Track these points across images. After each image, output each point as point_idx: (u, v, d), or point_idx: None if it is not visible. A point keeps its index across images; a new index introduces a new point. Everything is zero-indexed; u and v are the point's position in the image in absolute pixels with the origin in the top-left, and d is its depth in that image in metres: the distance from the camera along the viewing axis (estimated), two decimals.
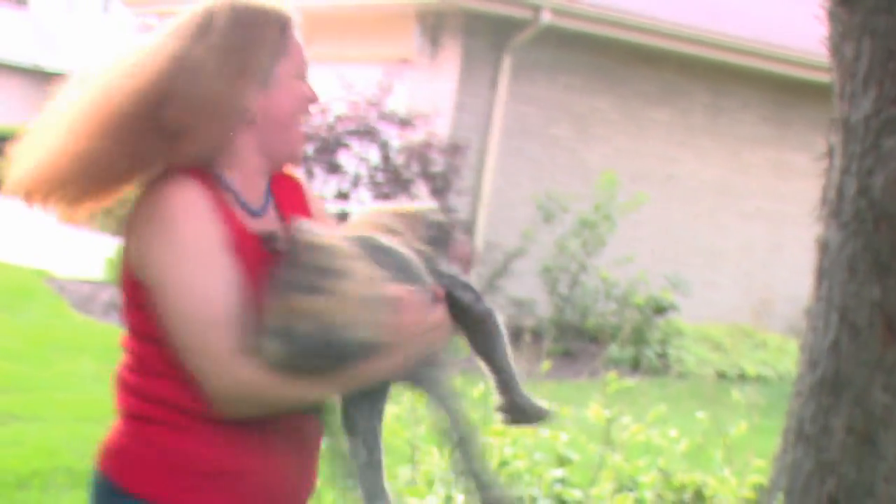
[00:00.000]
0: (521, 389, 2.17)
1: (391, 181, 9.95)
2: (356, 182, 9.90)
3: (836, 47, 3.75)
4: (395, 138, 10.14)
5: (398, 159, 10.02)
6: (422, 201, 8.77)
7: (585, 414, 4.23)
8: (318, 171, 9.78)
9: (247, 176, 1.94)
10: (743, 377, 9.94)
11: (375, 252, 1.91)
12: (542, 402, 2.17)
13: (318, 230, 1.86)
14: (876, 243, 3.57)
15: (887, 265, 3.54)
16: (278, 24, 1.93)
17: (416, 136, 10.13)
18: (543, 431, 4.17)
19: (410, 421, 4.16)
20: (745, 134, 12.13)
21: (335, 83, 9.99)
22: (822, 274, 3.71)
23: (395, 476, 4.08)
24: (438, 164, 10.11)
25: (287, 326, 1.76)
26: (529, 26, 10.47)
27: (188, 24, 1.91)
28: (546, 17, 10.37)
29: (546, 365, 4.51)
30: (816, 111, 11.70)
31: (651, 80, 11.54)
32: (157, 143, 1.84)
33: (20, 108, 29.52)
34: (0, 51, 29.50)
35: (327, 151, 9.82)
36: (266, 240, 1.92)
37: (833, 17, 3.75)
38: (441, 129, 10.43)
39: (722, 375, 9.77)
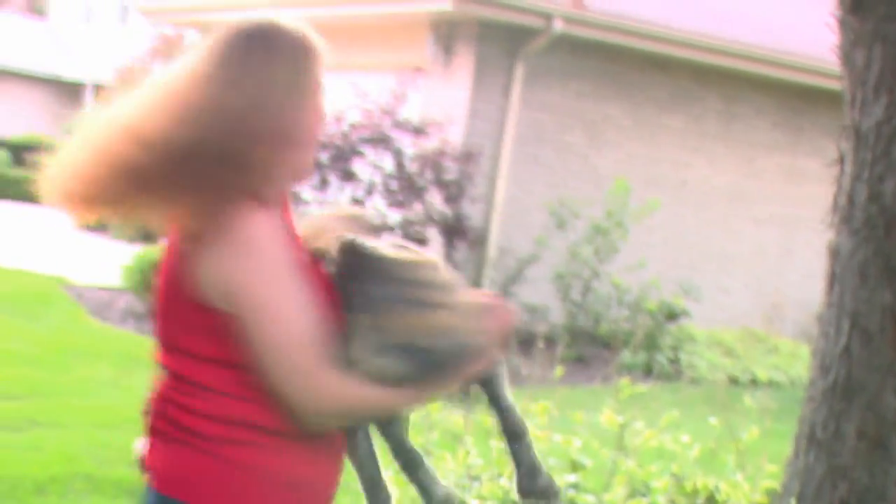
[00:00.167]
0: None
1: (405, 189, 9.99)
2: (370, 190, 9.94)
3: (846, 55, 3.77)
4: (409, 146, 10.19)
5: (412, 167, 10.06)
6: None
7: (598, 419, 4.24)
8: (333, 178, 9.84)
9: (283, 196, 1.99)
10: (755, 382, 9.94)
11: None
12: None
13: (376, 243, 1.92)
14: (887, 249, 3.59)
15: None
16: (313, 44, 1.97)
17: (430, 144, 10.17)
18: (556, 437, 4.20)
19: (424, 426, 4.19)
20: (757, 140, 12.14)
21: (349, 91, 10.05)
22: (833, 279, 3.73)
23: (408, 481, 4.09)
24: (452, 172, 10.15)
25: (412, 343, 1.83)
26: (542, 34, 10.51)
27: (242, 50, 1.92)
28: (558, 25, 10.41)
29: (559, 370, 4.53)
30: (828, 117, 11.71)
31: (663, 86, 11.57)
32: (224, 172, 1.85)
33: (40, 118, 29.69)
34: (21, 61, 29.67)
35: (342, 159, 9.87)
36: (326, 254, 1.97)
37: (844, 24, 3.77)
38: (454, 136, 10.47)
39: (734, 380, 9.77)
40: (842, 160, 3.77)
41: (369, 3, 11.26)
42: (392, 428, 2.08)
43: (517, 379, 6.82)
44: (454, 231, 10.17)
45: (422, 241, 9.82)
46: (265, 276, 1.84)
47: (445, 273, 1.92)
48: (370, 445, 2.11)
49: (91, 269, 11.58)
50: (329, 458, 1.99)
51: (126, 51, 23.18)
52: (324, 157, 9.65)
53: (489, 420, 4.10)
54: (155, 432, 1.96)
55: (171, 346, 1.95)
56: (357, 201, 9.79)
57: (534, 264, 10.55)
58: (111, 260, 10.23)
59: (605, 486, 4.14)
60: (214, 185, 1.85)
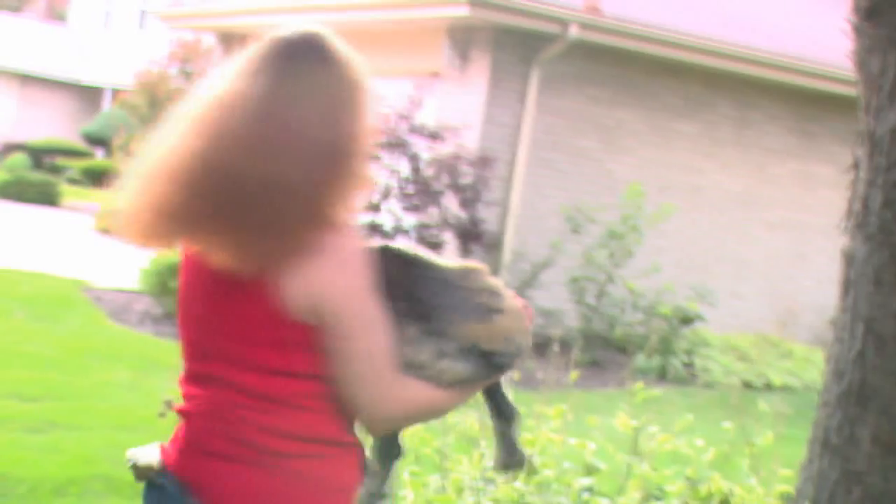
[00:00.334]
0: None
1: (421, 193, 10.03)
2: (387, 194, 9.98)
3: (861, 61, 3.79)
4: (425, 150, 10.22)
5: (428, 171, 10.10)
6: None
7: (613, 423, 4.25)
8: None
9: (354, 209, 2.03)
10: (769, 387, 9.93)
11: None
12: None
13: (422, 250, 2.01)
14: None
15: None
16: (357, 53, 2.00)
17: (446, 149, 10.21)
18: (571, 440, 4.22)
19: (440, 430, 4.21)
20: (770, 146, 12.14)
21: None
22: (847, 285, 3.74)
23: (424, 484, 4.12)
24: (468, 176, 10.19)
25: (475, 347, 1.91)
26: (557, 40, 10.54)
27: (298, 64, 1.90)
28: (574, 31, 10.44)
29: (574, 374, 4.55)
30: (842, 123, 11.71)
31: (677, 92, 11.58)
32: (307, 197, 1.87)
33: (60, 122, 29.86)
34: (41, 66, 29.86)
35: None
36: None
37: (859, 30, 3.78)
38: (470, 141, 10.50)
39: (748, 385, 9.77)
40: (856, 166, 3.78)
41: (386, 9, 11.31)
42: (496, 385, 2.13)
43: (532, 382, 6.83)
44: (469, 235, 10.20)
45: (437, 245, 9.86)
46: (357, 289, 1.89)
47: (491, 278, 2.00)
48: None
49: (110, 272, 11.64)
50: (361, 459, 2.04)
51: (144, 56, 23.29)
52: None
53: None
54: (212, 453, 1.93)
55: (236, 361, 1.92)
56: (373, 205, 9.83)
57: (549, 268, 10.57)
58: (130, 263, 10.29)
59: (620, 489, 4.15)
60: (299, 211, 1.85)
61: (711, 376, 9.83)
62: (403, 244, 2.02)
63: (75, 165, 24.90)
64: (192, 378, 2.00)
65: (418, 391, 1.94)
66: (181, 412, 2.01)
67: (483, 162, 10.25)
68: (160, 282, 9.36)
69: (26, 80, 29.79)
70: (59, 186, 20.30)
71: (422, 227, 10.00)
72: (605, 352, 10.16)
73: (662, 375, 9.75)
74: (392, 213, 9.99)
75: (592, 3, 10.62)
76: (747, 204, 12.07)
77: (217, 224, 1.86)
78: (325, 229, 1.87)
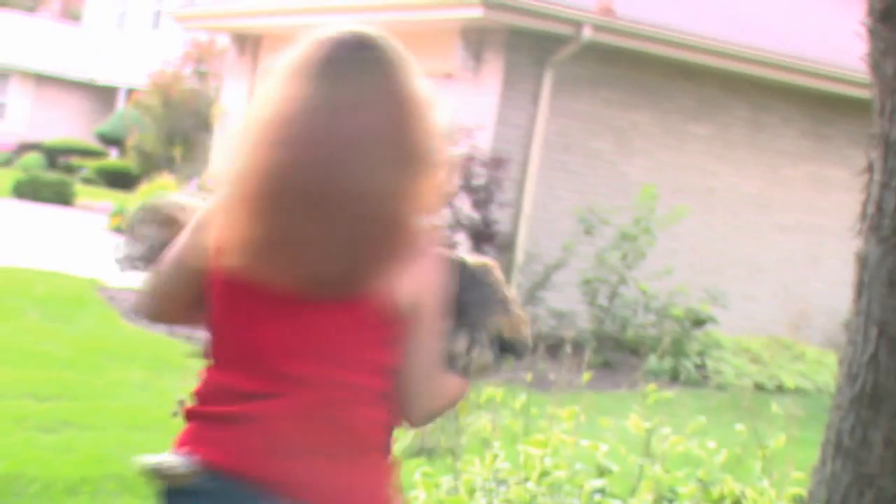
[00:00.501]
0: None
1: None
2: None
3: (876, 64, 3.78)
4: None
5: None
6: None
7: (625, 425, 4.26)
8: None
9: None
10: (781, 389, 9.92)
11: None
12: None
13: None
14: None
15: None
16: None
17: (459, 150, 10.22)
18: (583, 442, 4.22)
19: (452, 431, 4.22)
20: (784, 148, 12.12)
21: None
22: (861, 288, 3.74)
23: (437, 485, 4.13)
24: (481, 177, 10.20)
25: (499, 337, 2.07)
26: (571, 42, 10.54)
27: (373, 68, 1.88)
28: (587, 33, 10.44)
29: (586, 376, 4.56)
30: (855, 126, 11.68)
31: (691, 94, 11.57)
32: (419, 212, 1.94)
33: (74, 122, 29.98)
34: (56, 66, 30.00)
35: None
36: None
37: (874, 33, 3.78)
38: (483, 142, 10.51)
39: (760, 387, 9.76)
40: (870, 168, 3.77)
41: (400, 11, 11.33)
42: None
43: (544, 384, 6.83)
44: (482, 236, 10.21)
45: (450, 246, 9.86)
46: (440, 288, 1.99)
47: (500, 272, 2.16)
48: None
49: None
50: None
51: (159, 56, 23.37)
52: None
53: (516, 425, 4.14)
54: (309, 451, 1.91)
55: (340, 362, 1.94)
56: None
57: (561, 269, 10.57)
58: None
59: (632, 491, 4.16)
60: (409, 218, 1.90)
61: (724, 378, 9.82)
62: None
63: (89, 165, 25.00)
64: (263, 382, 1.93)
65: (453, 383, 2.04)
66: (240, 416, 1.93)
67: (496, 163, 10.26)
68: None
69: (41, 79, 29.91)
70: (73, 186, 20.37)
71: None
72: (617, 353, 10.15)
73: (674, 377, 9.75)
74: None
75: (606, 4, 10.62)
76: (761, 206, 12.05)
77: (338, 240, 1.85)
78: (422, 230, 1.94)
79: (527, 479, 4.03)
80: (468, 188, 10.12)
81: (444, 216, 10.11)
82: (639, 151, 11.41)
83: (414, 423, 2.06)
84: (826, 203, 12.23)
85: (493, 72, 10.75)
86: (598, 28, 10.49)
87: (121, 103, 28.90)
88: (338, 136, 1.83)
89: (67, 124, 29.57)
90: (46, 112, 29.80)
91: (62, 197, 19.54)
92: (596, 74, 11.06)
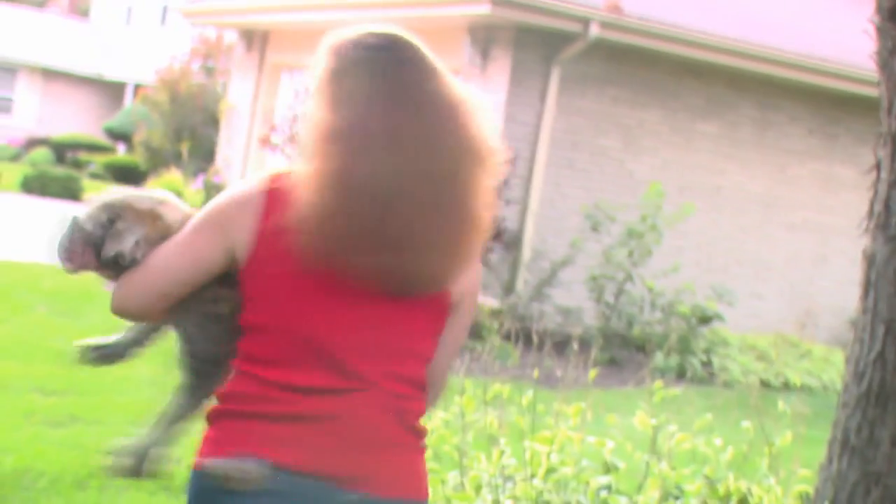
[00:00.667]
0: None
1: None
2: None
3: (884, 62, 3.79)
4: None
5: None
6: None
7: (631, 422, 4.26)
8: None
9: None
10: (788, 387, 9.91)
11: None
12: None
13: None
14: None
15: None
16: None
17: None
18: (590, 439, 4.23)
19: (458, 427, 4.23)
20: (792, 147, 12.11)
21: None
22: (868, 286, 3.75)
23: (443, 481, 4.14)
24: None
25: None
26: (578, 39, 10.54)
27: (418, 68, 2.00)
28: (595, 31, 10.44)
29: (593, 373, 4.56)
30: (863, 125, 11.67)
31: (699, 93, 11.56)
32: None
33: (82, 117, 30.02)
34: (64, 61, 30.04)
35: None
36: None
37: (882, 31, 3.79)
38: None
39: (766, 385, 9.75)
40: (878, 167, 3.78)
41: (407, 7, 11.33)
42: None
43: (551, 381, 6.84)
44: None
45: None
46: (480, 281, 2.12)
47: None
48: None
49: None
50: None
51: (166, 52, 23.40)
52: None
53: (523, 421, 4.15)
54: (385, 444, 1.95)
55: (408, 357, 1.98)
56: None
57: (568, 267, 10.58)
58: None
59: (638, 488, 4.16)
60: (487, 213, 2.01)
61: (730, 376, 9.82)
62: None
63: (97, 160, 25.03)
64: (332, 378, 1.93)
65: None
66: (307, 413, 1.92)
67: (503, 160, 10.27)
68: None
69: (49, 75, 29.95)
70: (81, 181, 20.41)
71: None
72: (623, 350, 10.16)
73: (681, 374, 9.75)
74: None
75: (613, 2, 10.62)
76: (768, 205, 12.05)
77: (441, 237, 1.92)
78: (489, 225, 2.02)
79: (533, 476, 4.04)
80: None
81: None
82: (646, 149, 11.41)
83: (436, 406, 2.19)
84: (833, 202, 12.22)
85: (501, 69, 10.75)
86: (605, 26, 10.49)
87: (128, 99, 28.95)
88: (426, 141, 1.90)
89: (75, 120, 29.62)
90: (54, 107, 29.86)
91: (70, 192, 19.57)
92: (603, 72, 11.06)
